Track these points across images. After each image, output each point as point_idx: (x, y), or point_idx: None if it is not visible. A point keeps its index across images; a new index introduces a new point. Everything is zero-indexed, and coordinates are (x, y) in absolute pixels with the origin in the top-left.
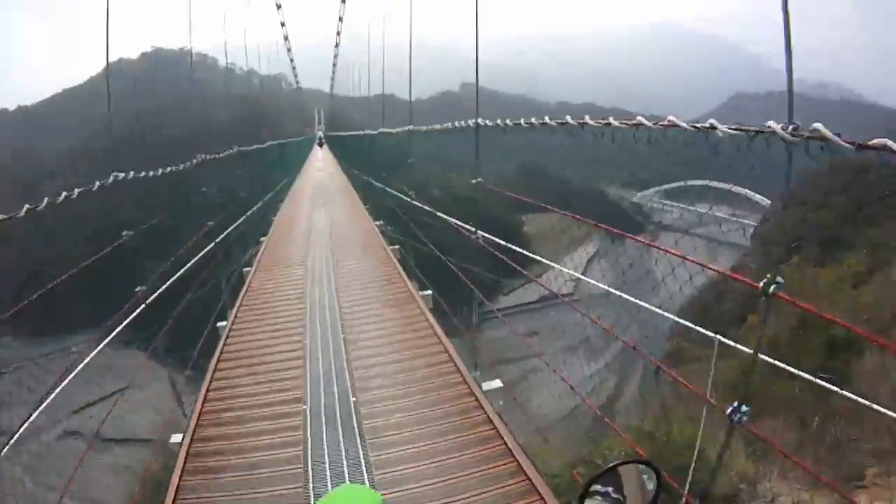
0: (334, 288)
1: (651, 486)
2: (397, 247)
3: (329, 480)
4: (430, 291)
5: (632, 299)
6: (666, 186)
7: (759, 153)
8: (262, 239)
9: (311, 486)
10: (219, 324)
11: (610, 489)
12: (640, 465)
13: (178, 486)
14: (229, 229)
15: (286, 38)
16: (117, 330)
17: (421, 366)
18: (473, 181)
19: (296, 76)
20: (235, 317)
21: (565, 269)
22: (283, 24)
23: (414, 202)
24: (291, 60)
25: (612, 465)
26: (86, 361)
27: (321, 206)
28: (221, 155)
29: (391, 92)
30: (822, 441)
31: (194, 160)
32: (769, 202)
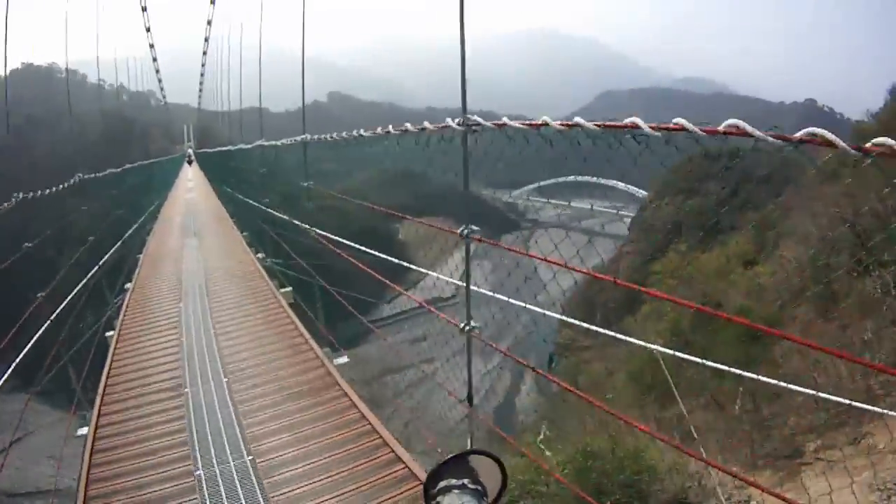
0: (221, 373)
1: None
2: (290, 289)
3: None
4: (345, 359)
5: (509, 299)
6: (539, 184)
7: (630, 148)
8: (127, 286)
9: None
10: (79, 432)
11: (465, 480)
12: (480, 456)
13: None
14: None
15: (152, 47)
16: None
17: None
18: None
19: (162, 90)
20: (97, 423)
21: (432, 273)
22: (148, 30)
23: (313, 230)
24: (157, 71)
25: (448, 458)
26: None
27: (193, 237)
28: (54, 189)
29: (259, 105)
30: (754, 424)
31: (12, 200)
32: (646, 193)
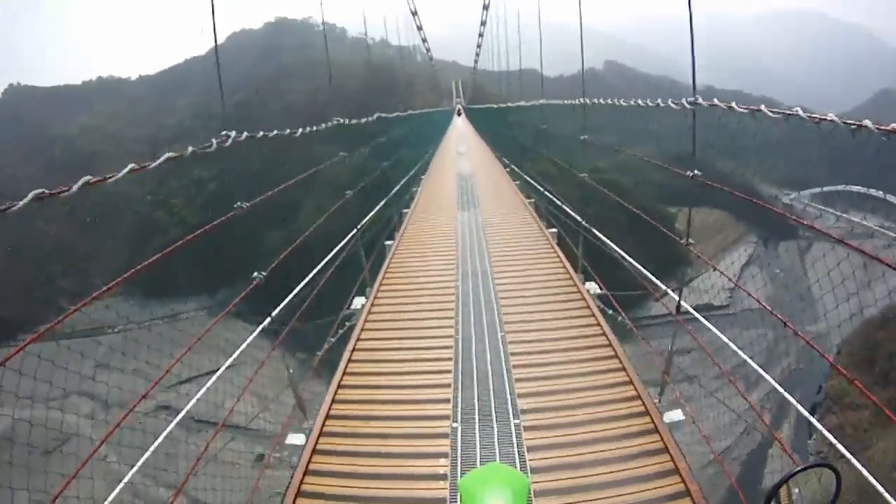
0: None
1: (831, 488)
2: (555, 230)
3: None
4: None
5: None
6: (823, 189)
7: None
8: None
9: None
10: (356, 303)
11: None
12: (819, 469)
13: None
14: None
15: (414, 14)
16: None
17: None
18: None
19: (427, 49)
20: (371, 305)
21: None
22: (414, 14)
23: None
24: (420, 28)
25: (794, 471)
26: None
27: (463, 158)
28: (362, 121)
29: (532, 67)
30: None
31: (331, 122)
32: None
